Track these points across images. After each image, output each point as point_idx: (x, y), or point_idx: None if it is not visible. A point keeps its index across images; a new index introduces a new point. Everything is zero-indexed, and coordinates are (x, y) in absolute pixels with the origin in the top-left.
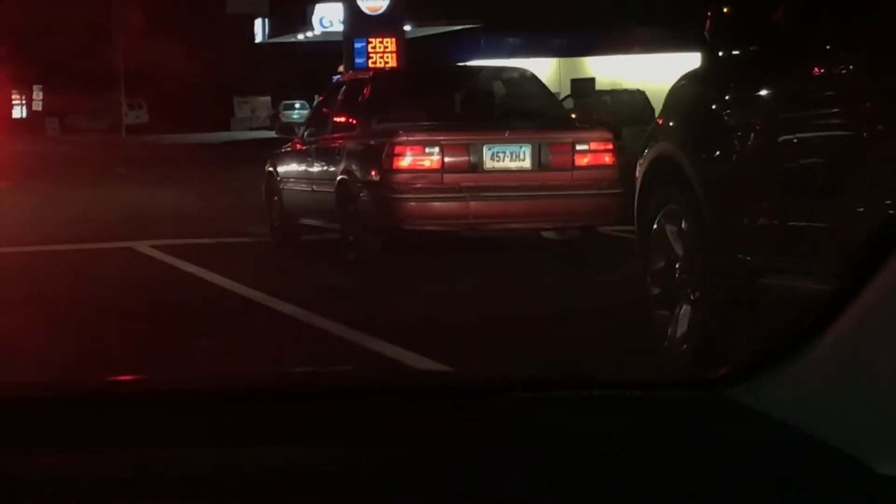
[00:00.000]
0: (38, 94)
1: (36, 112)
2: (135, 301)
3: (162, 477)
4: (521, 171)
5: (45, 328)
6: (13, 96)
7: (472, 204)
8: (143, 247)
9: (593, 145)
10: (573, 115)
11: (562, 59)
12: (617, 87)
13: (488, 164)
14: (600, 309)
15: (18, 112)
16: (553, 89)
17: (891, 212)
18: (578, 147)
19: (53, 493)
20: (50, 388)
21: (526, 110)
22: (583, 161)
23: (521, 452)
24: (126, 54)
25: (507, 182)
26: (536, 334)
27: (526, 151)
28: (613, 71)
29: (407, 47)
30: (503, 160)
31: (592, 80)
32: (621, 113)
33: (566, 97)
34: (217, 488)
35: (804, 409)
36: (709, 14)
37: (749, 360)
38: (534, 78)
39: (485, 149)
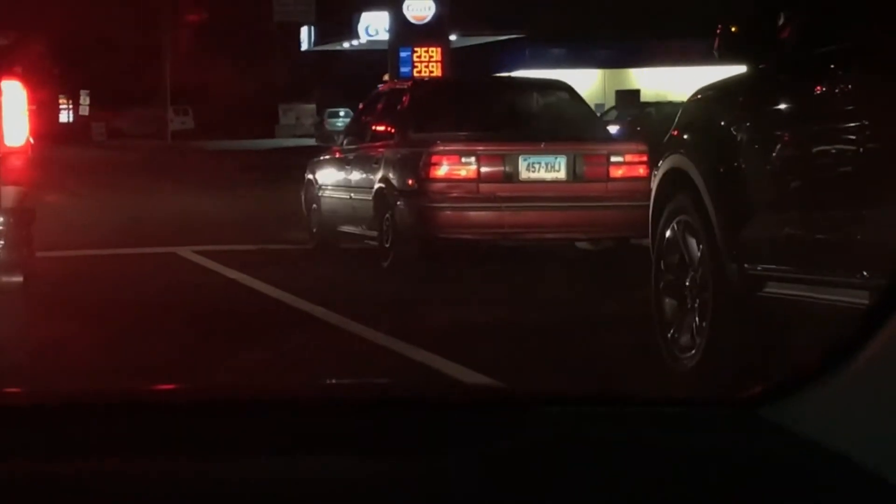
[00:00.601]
0: (84, 100)
1: (82, 117)
2: (178, 306)
3: (202, 485)
4: (556, 181)
5: (90, 332)
6: (60, 101)
7: (507, 214)
8: (186, 252)
9: (628, 157)
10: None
11: (607, 71)
12: (662, 100)
13: (524, 174)
14: (632, 320)
15: (65, 117)
16: (597, 101)
17: None
18: (613, 159)
19: (97, 500)
20: (95, 394)
21: (562, 122)
22: (617, 173)
23: (558, 467)
24: (172, 61)
25: (542, 193)
26: (569, 343)
27: (561, 162)
28: (658, 83)
29: (452, 57)
30: (538, 171)
31: (637, 91)
32: (666, 125)
33: (610, 109)
34: (253, 498)
35: (836, 428)
36: (717, 31)
37: (781, 379)
38: (570, 90)
39: (520, 159)
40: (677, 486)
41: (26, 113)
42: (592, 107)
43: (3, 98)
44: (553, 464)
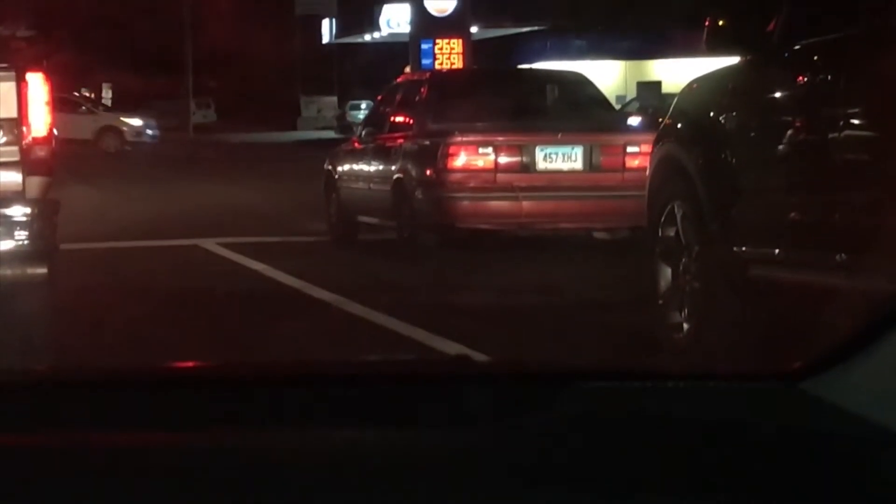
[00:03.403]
0: (107, 93)
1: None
2: (201, 297)
3: (226, 456)
4: (572, 171)
5: (114, 323)
6: (84, 97)
7: (525, 203)
8: (210, 244)
9: (644, 147)
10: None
11: (628, 63)
12: None
13: (541, 164)
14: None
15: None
16: (619, 93)
17: None
18: (629, 149)
19: (133, 470)
20: (126, 371)
21: (578, 112)
22: (633, 163)
23: (600, 442)
24: (194, 54)
25: (559, 182)
26: (584, 326)
27: (578, 153)
28: (680, 75)
29: (473, 49)
30: (555, 161)
31: (659, 83)
32: None
33: (631, 100)
34: (283, 467)
35: (881, 401)
36: (706, 24)
37: (823, 353)
38: (587, 81)
39: (537, 150)
40: (721, 459)
41: (49, 105)
42: (614, 99)
43: (28, 90)
44: (594, 438)
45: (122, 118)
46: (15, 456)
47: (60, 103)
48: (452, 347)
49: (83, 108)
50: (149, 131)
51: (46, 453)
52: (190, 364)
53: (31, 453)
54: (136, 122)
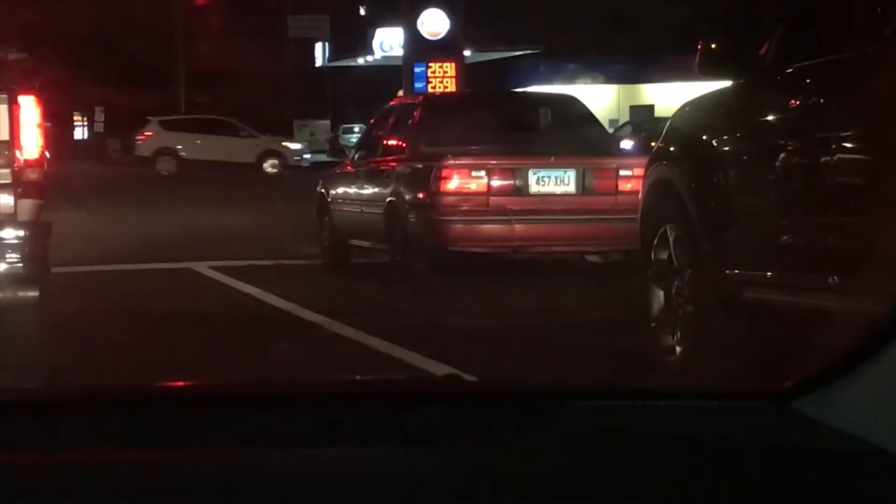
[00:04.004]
0: (99, 116)
1: (97, 133)
2: (192, 321)
3: (222, 474)
4: (565, 195)
5: (113, 342)
6: (75, 118)
7: (518, 227)
8: (202, 268)
9: (636, 171)
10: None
11: (621, 86)
12: None
13: (534, 188)
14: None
15: (80, 133)
16: (612, 116)
17: None
18: (622, 172)
19: (125, 487)
20: (118, 391)
21: (571, 136)
22: (626, 186)
23: (592, 459)
24: (187, 77)
25: (552, 206)
26: (576, 348)
27: (570, 176)
28: (672, 98)
29: (466, 72)
30: (548, 184)
31: (651, 107)
32: None
33: (624, 124)
34: (273, 485)
35: (871, 421)
36: (698, 48)
37: (814, 373)
38: (579, 104)
39: (530, 173)
40: (715, 478)
41: (41, 127)
42: (607, 122)
43: (20, 112)
44: (585, 456)
45: (283, 142)
46: (9, 474)
47: (221, 127)
48: (444, 370)
49: (243, 132)
50: (306, 155)
51: (41, 471)
52: (180, 384)
53: (25, 471)
54: (296, 146)
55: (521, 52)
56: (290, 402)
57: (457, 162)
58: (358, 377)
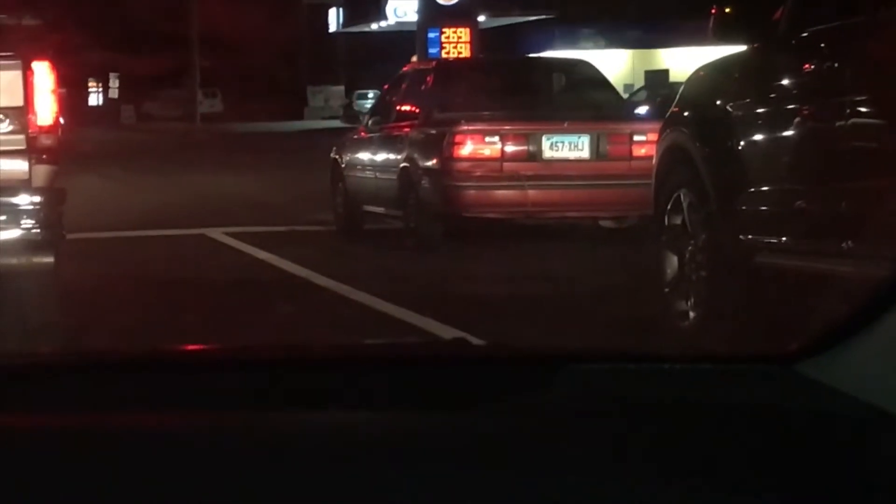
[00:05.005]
0: (114, 83)
1: (112, 100)
2: (208, 287)
3: (235, 436)
4: (579, 160)
5: (128, 307)
6: (90, 84)
7: (531, 193)
8: (216, 233)
9: (650, 136)
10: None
11: (636, 52)
12: None
13: (547, 153)
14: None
15: (95, 100)
16: (627, 82)
17: None
18: (636, 137)
19: (141, 450)
20: (135, 354)
21: (585, 101)
22: (640, 151)
23: (590, 422)
24: (201, 42)
25: (566, 171)
26: (590, 313)
27: (584, 142)
28: (687, 63)
29: (480, 38)
30: (562, 150)
31: (666, 72)
32: None
33: (640, 89)
34: (283, 449)
35: (874, 383)
36: (713, 12)
37: (818, 336)
38: (594, 70)
39: (544, 139)
40: (713, 440)
41: (56, 93)
42: (622, 87)
43: (34, 78)
44: (587, 418)
45: None
46: (25, 436)
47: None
48: (452, 333)
49: None
50: None
51: (55, 433)
52: (189, 347)
53: (40, 434)
54: None
55: (535, 18)
56: (298, 364)
57: (470, 127)
58: (369, 341)
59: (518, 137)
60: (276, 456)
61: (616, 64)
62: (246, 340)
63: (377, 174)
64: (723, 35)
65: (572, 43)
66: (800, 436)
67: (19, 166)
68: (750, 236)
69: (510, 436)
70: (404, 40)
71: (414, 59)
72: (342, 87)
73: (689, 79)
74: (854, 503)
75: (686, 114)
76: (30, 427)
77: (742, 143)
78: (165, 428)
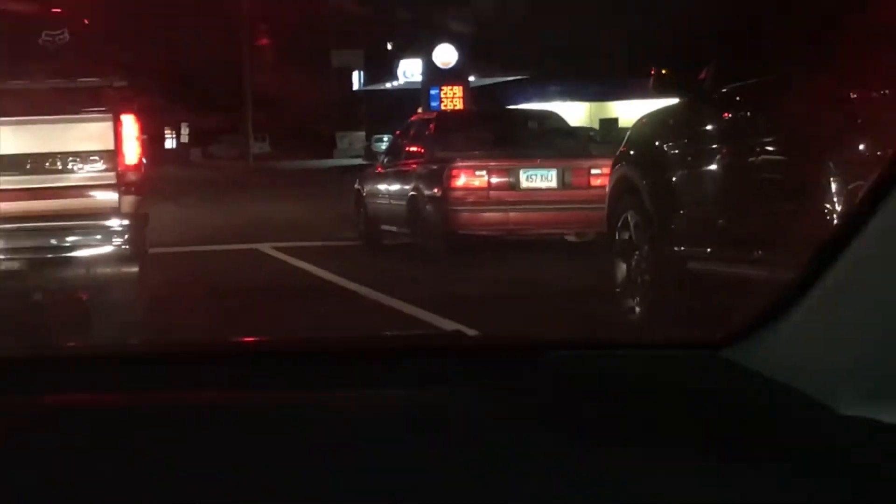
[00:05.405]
0: (184, 131)
1: (183, 144)
2: (260, 290)
3: (271, 411)
4: (549, 189)
5: (195, 306)
6: (165, 132)
7: (512, 215)
8: (266, 248)
9: (604, 170)
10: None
11: (593, 104)
12: None
13: (524, 184)
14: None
15: (169, 144)
16: (586, 126)
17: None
18: (593, 171)
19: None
20: (193, 344)
21: (553, 143)
22: (596, 182)
23: (562, 397)
24: (253, 98)
25: (539, 198)
26: (559, 309)
27: (553, 174)
28: (633, 113)
29: (471, 94)
30: (535, 181)
31: (616, 119)
32: None
33: (595, 133)
34: (309, 420)
35: (788, 366)
36: (651, 73)
37: (738, 327)
38: (560, 118)
39: (521, 172)
40: (648, 412)
41: (139, 139)
42: (584, 131)
43: (122, 128)
44: (560, 394)
45: None
46: (108, 414)
47: None
48: (451, 326)
49: None
50: None
51: (131, 411)
52: (245, 340)
53: (119, 411)
54: None
55: (513, 78)
56: (322, 353)
57: (463, 164)
58: (387, 333)
59: (501, 171)
60: (304, 425)
61: (577, 113)
62: (288, 332)
63: (391, 200)
64: (660, 90)
65: (543, 97)
66: (721, 408)
67: (111, 197)
68: (682, 248)
69: (497, 409)
70: (411, 95)
71: (419, 110)
72: (363, 133)
73: (635, 125)
74: (763, 461)
75: (632, 153)
76: (110, 404)
77: (675, 175)
78: (222, 404)
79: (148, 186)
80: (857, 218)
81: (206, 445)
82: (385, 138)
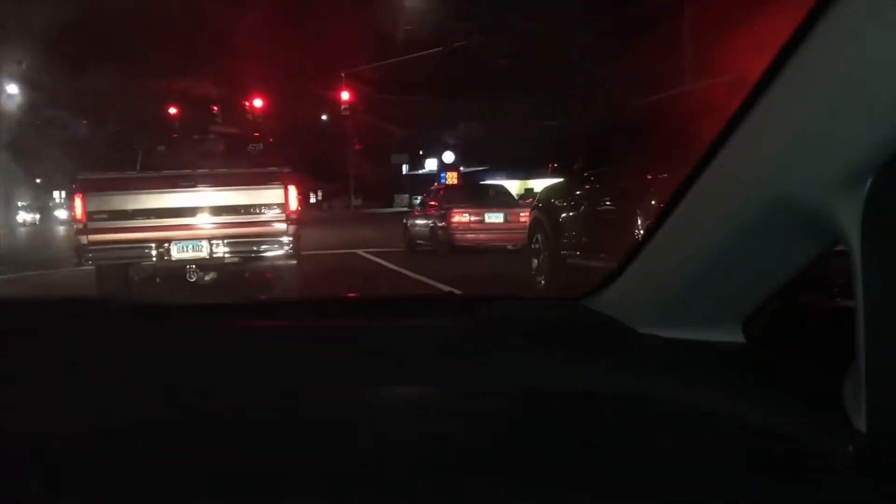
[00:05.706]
0: (318, 194)
1: (319, 200)
2: (356, 270)
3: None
4: (500, 222)
5: (321, 281)
6: (310, 194)
7: (481, 235)
8: (360, 251)
9: (525, 213)
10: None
11: (521, 181)
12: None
13: (487, 220)
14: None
15: (312, 200)
16: (518, 192)
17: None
18: (521, 214)
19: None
20: (313, 299)
21: (501, 200)
22: (522, 219)
23: (495, 324)
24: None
25: (495, 227)
26: (501, 277)
27: (501, 216)
28: (541, 185)
29: (461, 176)
30: (493, 218)
31: (532, 188)
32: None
33: (521, 195)
34: (338, 337)
35: (617, 307)
36: (549, 165)
37: (590, 288)
38: (504, 188)
39: (486, 214)
40: (543, 336)
41: (297, 198)
42: (516, 195)
43: (288, 192)
44: (496, 324)
45: None
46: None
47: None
48: (447, 288)
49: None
50: None
51: (284, 329)
52: (333, 295)
53: (280, 329)
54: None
55: (481, 168)
56: (376, 302)
57: (457, 210)
58: (401, 293)
59: (476, 213)
60: (365, 338)
61: (512, 186)
62: (369, 291)
63: (421, 227)
64: (554, 174)
65: (496, 178)
66: (576, 328)
67: (283, 227)
68: (565, 252)
69: (466, 328)
70: (432, 177)
71: (435, 184)
72: (407, 195)
73: (541, 191)
74: (593, 354)
75: (539, 205)
76: (253, 328)
77: (561, 217)
78: (315, 327)
79: (301, 221)
80: (649, 233)
81: (312, 345)
82: (418, 198)
